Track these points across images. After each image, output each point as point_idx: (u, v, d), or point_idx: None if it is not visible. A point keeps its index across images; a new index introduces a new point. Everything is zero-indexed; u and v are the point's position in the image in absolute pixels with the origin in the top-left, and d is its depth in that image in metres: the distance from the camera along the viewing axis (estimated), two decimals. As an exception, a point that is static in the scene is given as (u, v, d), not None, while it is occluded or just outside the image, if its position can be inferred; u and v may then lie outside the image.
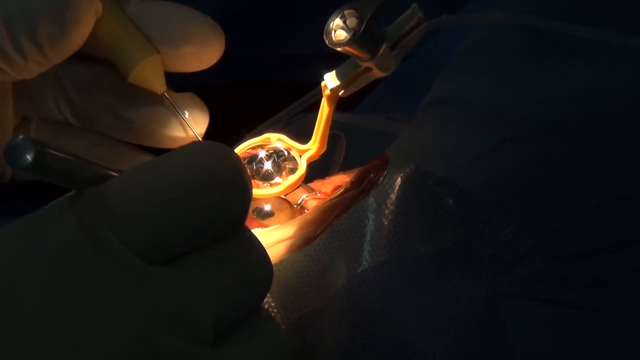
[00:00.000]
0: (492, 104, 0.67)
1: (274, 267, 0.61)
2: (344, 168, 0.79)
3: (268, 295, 0.61)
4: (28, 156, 0.43)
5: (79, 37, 0.66)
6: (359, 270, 0.60)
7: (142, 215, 0.46)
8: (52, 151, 0.45)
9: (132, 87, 0.71)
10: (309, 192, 0.71)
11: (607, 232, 0.61)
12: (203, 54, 0.70)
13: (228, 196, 0.48)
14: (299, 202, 0.71)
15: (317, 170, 0.76)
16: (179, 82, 0.73)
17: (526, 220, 0.61)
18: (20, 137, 0.43)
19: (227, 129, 0.71)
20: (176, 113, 0.71)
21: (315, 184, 0.72)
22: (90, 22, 0.66)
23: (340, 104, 0.69)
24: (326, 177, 0.73)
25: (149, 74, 0.70)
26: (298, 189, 0.71)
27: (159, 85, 0.71)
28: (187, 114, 0.71)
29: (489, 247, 0.61)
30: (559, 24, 0.70)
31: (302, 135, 0.70)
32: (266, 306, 0.61)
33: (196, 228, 0.48)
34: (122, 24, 0.70)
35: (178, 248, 0.47)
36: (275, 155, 0.68)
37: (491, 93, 0.68)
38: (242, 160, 0.68)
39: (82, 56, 0.69)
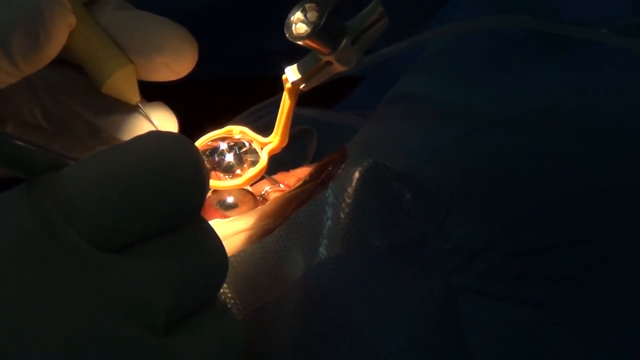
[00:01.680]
0: (455, 101, 0.67)
1: (232, 258, 0.62)
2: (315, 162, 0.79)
3: (225, 286, 0.61)
4: None
5: (52, 50, 0.66)
6: (314, 263, 0.61)
7: (94, 203, 0.46)
8: (8, 138, 0.45)
9: (103, 95, 0.71)
10: (273, 184, 0.72)
11: (564, 229, 0.61)
12: (176, 65, 0.70)
13: (183, 186, 0.48)
14: (262, 193, 0.71)
15: (288, 164, 0.77)
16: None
17: (484, 215, 0.61)
18: None
19: (197, 125, 0.71)
20: (148, 122, 0.71)
21: (279, 176, 0.73)
22: (64, 35, 0.66)
23: (321, 101, 0.69)
24: (290, 170, 0.73)
25: (123, 85, 0.70)
26: (262, 181, 0.72)
27: (132, 96, 0.71)
28: (156, 123, 0.71)
29: (445, 242, 0.61)
30: (551, 24, 0.70)
31: (270, 130, 0.71)
32: (223, 297, 0.61)
33: (149, 217, 0.48)
34: (95, 34, 0.70)
35: (131, 237, 0.47)
36: (236, 147, 0.69)
37: (454, 90, 0.68)
38: (202, 152, 0.69)
39: (55, 61, 0.68)
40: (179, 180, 0.48)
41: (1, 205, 0.47)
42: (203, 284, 0.50)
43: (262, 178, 0.72)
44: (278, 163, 0.74)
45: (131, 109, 0.72)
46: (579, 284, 0.61)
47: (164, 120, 0.72)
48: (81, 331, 0.45)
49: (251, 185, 0.71)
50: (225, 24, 1.02)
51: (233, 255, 0.62)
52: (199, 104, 0.90)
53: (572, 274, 0.60)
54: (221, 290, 0.61)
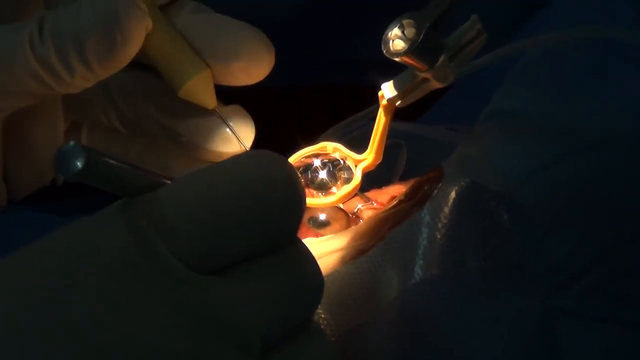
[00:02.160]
0: (553, 118, 0.66)
1: (326, 278, 0.61)
2: (406, 177, 0.78)
3: (319, 306, 0.61)
4: (78, 163, 0.43)
5: (128, 54, 0.66)
6: (410, 283, 0.60)
7: (192, 225, 0.46)
8: (102, 158, 0.45)
9: (179, 98, 0.71)
10: (365, 202, 0.71)
11: None
12: (253, 69, 0.70)
13: (281, 208, 0.48)
14: (354, 211, 0.70)
15: (378, 178, 0.76)
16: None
17: (582, 236, 0.60)
18: (71, 143, 0.43)
19: (285, 132, 0.71)
20: (225, 127, 0.71)
21: (372, 194, 0.72)
22: (140, 39, 0.66)
23: (407, 111, 0.68)
24: (383, 187, 0.72)
25: (200, 90, 0.70)
26: (354, 198, 0.71)
27: (209, 101, 0.71)
28: (233, 127, 0.71)
29: (543, 264, 0.60)
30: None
31: (362, 144, 0.70)
32: (316, 317, 0.61)
33: (247, 239, 0.47)
34: (172, 39, 0.70)
35: (228, 259, 0.47)
36: (330, 164, 0.68)
37: (552, 106, 0.67)
38: (297, 170, 0.68)
39: (130, 63, 0.68)
40: (277, 201, 0.48)
41: (98, 223, 0.47)
42: (300, 307, 0.50)
43: (354, 195, 0.71)
44: (366, 177, 0.73)
45: (208, 113, 0.71)
46: None
47: (241, 125, 0.71)
48: (175, 355, 0.44)
49: (343, 203, 0.70)
50: (309, 30, 1.01)
51: (326, 275, 0.61)
52: (282, 110, 0.89)
53: None
54: (319, 311, 0.60)
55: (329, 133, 0.74)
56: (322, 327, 0.60)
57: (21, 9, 0.71)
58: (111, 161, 0.45)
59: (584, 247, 0.60)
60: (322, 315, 0.61)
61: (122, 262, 0.45)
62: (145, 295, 0.45)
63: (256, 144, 0.73)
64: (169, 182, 0.48)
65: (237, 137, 0.70)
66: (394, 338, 0.59)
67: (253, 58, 0.69)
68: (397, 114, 0.69)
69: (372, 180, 0.75)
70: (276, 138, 0.69)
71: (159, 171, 0.49)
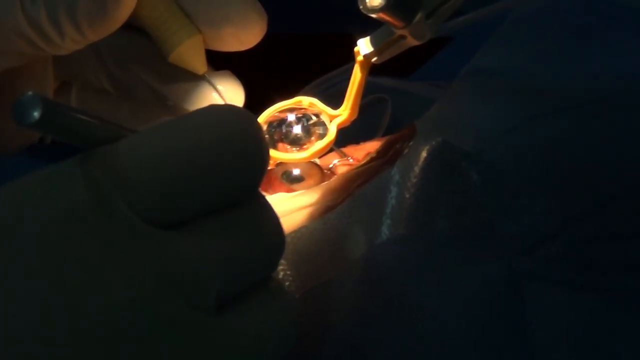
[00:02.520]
0: (533, 78, 0.65)
1: (293, 234, 0.61)
2: (391, 133, 0.78)
3: (285, 262, 0.60)
4: (35, 113, 0.42)
5: (119, 17, 0.65)
6: (377, 242, 0.59)
7: (149, 177, 0.45)
8: (61, 108, 0.44)
9: (170, 63, 0.70)
10: (341, 157, 0.70)
11: (635, 218, 0.59)
12: (243, 36, 0.69)
13: (241, 163, 0.47)
14: (330, 167, 0.70)
15: (363, 133, 0.76)
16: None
17: (553, 199, 0.59)
18: (29, 93, 0.43)
19: (266, 85, 0.70)
20: (215, 92, 0.70)
21: (349, 149, 0.71)
22: (132, 2, 0.66)
23: (399, 66, 0.68)
24: (360, 143, 0.72)
25: (191, 55, 0.69)
26: (330, 154, 0.71)
27: (200, 66, 0.70)
28: (222, 93, 0.71)
29: (512, 226, 0.59)
30: None
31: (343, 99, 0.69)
32: (282, 273, 0.60)
33: (205, 194, 0.47)
34: (164, 2, 0.69)
35: (186, 213, 0.46)
36: (304, 119, 0.67)
37: (534, 66, 0.66)
38: (270, 123, 0.68)
39: (123, 25, 0.67)
40: (236, 156, 0.47)
41: (55, 174, 0.46)
42: (258, 263, 0.49)
43: (330, 150, 0.71)
44: (350, 133, 0.72)
45: (198, 78, 0.71)
46: None
47: (231, 90, 0.71)
48: (124, 307, 0.44)
49: (319, 158, 0.70)
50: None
51: (294, 231, 0.61)
52: (269, 60, 0.88)
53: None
54: (280, 267, 0.60)
55: (309, 88, 0.74)
56: (287, 283, 0.60)
57: None
58: (70, 112, 0.45)
59: (554, 211, 0.59)
60: (288, 272, 0.60)
61: (74, 213, 0.45)
62: (96, 248, 0.44)
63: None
64: (130, 134, 0.47)
65: (225, 102, 0.70)
66: (358, 296, 0.59)
67: (244, 24, 0.69)
68: (387, 68, 0.68)
69: (357, 135, 0.74)
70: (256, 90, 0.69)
71: (123, 125, 0.48)
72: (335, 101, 0.70)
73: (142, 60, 0.72)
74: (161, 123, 0.47)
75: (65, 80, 0.76)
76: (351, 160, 0.70)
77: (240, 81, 0.71)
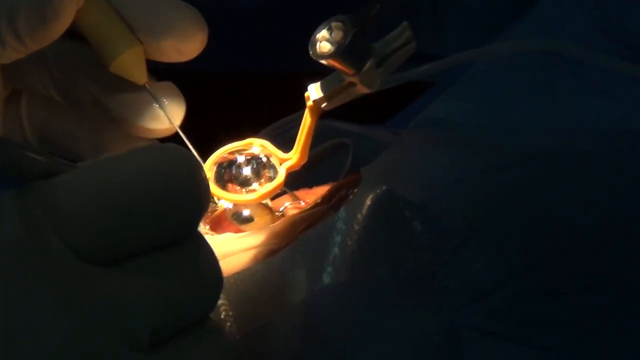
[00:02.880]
0: (484, 131, 0.66)
1: (237, 276, 0.61)
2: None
3: (227, 304, 0.61)
4: None
5: (59, 28, 0.65)
6: (317, 288, 0.59)
7: (85, 215, 0.45)
8: None
9: (112, 73, 0.70)
10: (293, 200, 0.71)
11: (579, 275, 0.60)
12: (183, 47, 0.69)
13: (178, 203, 0.47)
14: (281, 209, 0.70)
15: (324, 178, 0.76)
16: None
17: (495, 253, 0.60)
18: None
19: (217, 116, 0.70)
20: (155, 103, 0.70)
21: (301, 193, 0.72)
22: (71, 13, 0.66)
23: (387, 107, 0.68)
24: (313, 187, 0.72)
25: (131, 65, 0.69)
26: (283, 197, 0.71)
27: (140, 76, 0.70)
28: (165, 104, 0.71)
29: (454, 278, 0.59)
30: (591, 53, 0.69)
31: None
32: (223, 314, 0.60)
33: (141, 233, 0.46)
34: (105, 13, 0.69)
35: (120, 250, 0.46)
36: (254, 161, 0.68)
37: (486, 119, 0.67)
38: (220, 164, 0.68)
39: (69, 33, 0.68)
40: (174, 196, 0.47)
41: None
42: (194, 303, 0.49)
43: (283, 193, 0.71)
44: (314, 177, 0.73)
45: (140, 89, 0.71)
46: (588, 331, 0.59)
47: (172, 102, 0.70)
48: (60, 346, 0.44)
49: (272, 200, 0.71)
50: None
51: (237, 273, 0.61)
52: (227, 96, 0.88)
53: (582, 321, 0.59)
54: (222, 307, 0.60)
55: (265, 132, 0.74)
56: (228, 324, 0.60)
57: None
58: (7, 144, 0.45)
59: (496, 265, 0.59)
60: (230, 313, 0.61)
61: (7, 248, 0.44)
62: (29, 284, 0.44)
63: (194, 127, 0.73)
64: (69, 169, 0.47)
65: (166, 114, 0.70)
66: (293, 342, 0.59)
67: (184, 36, 0.68)
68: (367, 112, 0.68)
69: (318, 178, 0.75)
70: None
71: (69, 154, 0.48)
72: (291, 145, 0.70)
73: (86, 69, 0.72)
74: (101, 159, 0.47)
75: (16, 89, 0.75)
76: (303, 203, 0.70)
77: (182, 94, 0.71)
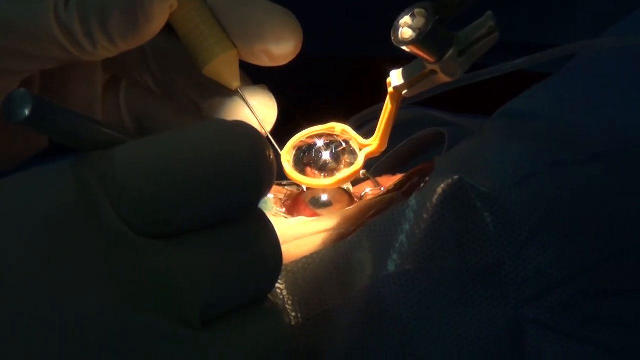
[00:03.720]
0: (569, 124, 0.64)
1: (305, 260, 0.61)
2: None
3: (291, 288, 0.60)
4: (26, 110, 0.43)
5: (150, 32, 0.66)
6: (382, 275, 0.59)
7: (140, 187, 0.46)
8: (53, 108, 0.45)
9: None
10: (374, 187, 0.70)
11: None
12: (277, 52, 0.69)
13: (237, 179, 0.47)
14: (361, 194, 0.70)
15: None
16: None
17: (563, 248, 0.58)
18: (21, 90, 0.43)
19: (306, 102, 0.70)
20: (247, 107, 0.71)
21: (383, 179, 0.71)
22: (164, 18, 0.66)
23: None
24: (397, 174, 0.72)
25: (225, 69, 0.70)
26: (364, 182, 0.71)
27: (233, 81, 0.70)
28: (255, 108, 0.71)
29: (521, 271, 0.58)
30: None
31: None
32: (287, 298, 0.60)
33: (197, 209, 0.47)
34: (199, 15, 0.69)
35: (176, 225, 0.46)
36: (333, 146, 0.68)
37: (568, 113, 0.65)
38: (299, 148, 0.68)
39: (167, 28, 0.69)
40: (234, 173, 0.47)
41: (48, 175, 0.47)
42: (250, 282, 0.49)
43: (366, 179, 0.71)
44: (413, 166, 0.72)
45: (232, 92, 0.71)
46: None
47: (263, 106, 0.71)
48: (104, 315, 0.44)
49: (353, 186, 0.70)
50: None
51: (305, 257, 0.61)
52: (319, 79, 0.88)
53: None
54: (285, 292, 0.60)
55: (352, 121, 0.73)
56: (289, 308, 0.60)
57: None
58: (62, 112, 0.45)
59: (562, 261, 0.58)
60: (296, 297, 0.60)
61: (62, 216, 0.45)
62: (80, 252, 0.45)
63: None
64: (126, 141, 0.48)
65: (257, 118, 0.70)
66: (356, 328, 0.59)
67: (277, 42, 0.69)
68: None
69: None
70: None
71: (120, 129, 0.49)
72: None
73: (183, 67, 0.73)
74: (162, 134, 0.48)
75: (115, 75, 0.77)
76: (383, 189, 0.69)
77: (274, 97, 0.72)
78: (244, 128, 0.49)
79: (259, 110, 0.70)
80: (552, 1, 1.07)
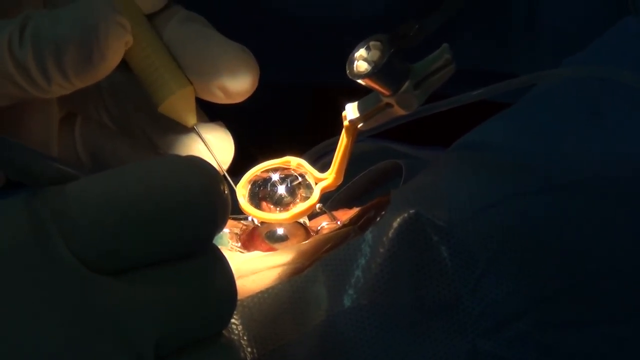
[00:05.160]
0: (527, 156, 0.64)
1: (260, 294, 0.60)
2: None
3: (246, 323, 0.60)
4: None
5: (105, 68, 0.66)
6: (338, 310, 0.58)
7: (92, 221, 0.45)
8: (6, 142, 0.45)
9: None
10: (331, 221, 0.70)
11: (601, 306, 0.58)
12: (232, 88, 0.69)
13: (191, 215, 0.47)
14: (317, 229, 0.70)
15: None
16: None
17: (520, 280, 0.59)
18: None
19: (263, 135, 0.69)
20: (203, 145, 0.70)
21: (339, 213, 0.71)
22: (119, 54, 0.66)
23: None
24: (353, 207, 0.71)
25: (180, 106, 0.69)
26: (321, 216, 0.70)
27: (189, 118, 0.70)
28: (211, 144, 0.70)
29: (478, 304, 0.58)
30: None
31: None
32: (242, 333, 0.60)
33: (150, 244, 0.46)
34: (155, 52, 0.69)
35: (129, 261, 0.46)
36: (289, 180, 0.67)
37: (524, 144, 0.65)
38: (254, 182, 0.67)
39: (123, 64, 0.68)
40: (187, 209, 0.46)
41: (1, 210, 0.46)
42: (203, 317, 0.48)
43: (322, 213, 0.70)
44: (369, 199, 0.72)
45: (189, 128, 0.71)
46: None
47: (220, 142, 0.70)
48: (57, 354, 0.43)
49: (310, 219, 0.70)
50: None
51: (260, 292, 0.60)
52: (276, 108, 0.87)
53: (599, 353, 0.59)
54: (240, 327, 0.60)
55: (308, 155, 0.73)
56: (245, 344, 0.59)
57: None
58: (17, 148, 0.45)
59: (519, 293, 0.58)
60: (249, 333, 0.60)
61: (14, 252, 0.44)
62: (33, 289, 0.44)
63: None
64: (80, 177, 0.47)
65: (213, 155, 0.70)
66: None
67: (232, 78, 0.69)
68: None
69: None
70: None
71: (74, 165, 0.49)
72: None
73: (139, 103, 0.72)
74: (115, 169, 0.47)
75: (71, 111, 0.76)
76: (339, 223, 0.69)
77: (230, 133, 0.71)
78: (198, 163, 0.48)
79: (215, 147, 0.70)
80: (512, 30, 1.07)
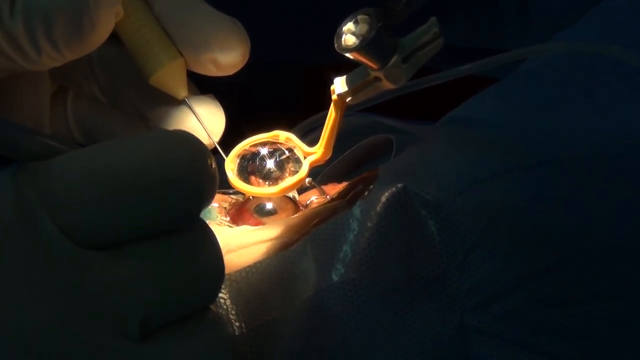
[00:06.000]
0: (510, 132, 0.64)
1: (248, 269, 0.60)
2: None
3: (235, 298, 0.60)
4: None
5: (96, 39, 0.65)
6: (325, 285, 0.58)
7: (78, 197, 0.45)
8: None
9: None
10: (320, 195, 0.70)
11: (591, 283, 0.58)
12: (223, 62, 0.68)
13: (177, 189, 0.46)
14: (306, 203, 0.69)
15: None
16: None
17: (509, 257, 0.58)
18: None
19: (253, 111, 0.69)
20: (194, 117, 0.70)
21: (329, 187, 0.71)
22: (109, 25, 0.65)
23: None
24: (343, 182, 0.71)
25: (171, 79, 0.69)
26: (310, 191, 0.70)
27: (180, 90, 0.70)
28: (202, 118, 0.70)
29: (466, 280, 0.58)
30: (635, 56, 0.67)
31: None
32: (230, 308, 0.60)
33: (137, 218, 0.46)
34: (146, 25, 0.68)
35: (116, 236, 0.46)
36: (277, 154, 0.67)
37: (514, 120, 0.65)
38: (243, 156, 0.67)
39: (114, 36, 0.68)
40: (174, 183, 0.46)
41: None
42: (191, 292, 0.48)
43: (312, 187, 0.70)
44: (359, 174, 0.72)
45: (179, 101, 0.70)
46: (599, 341, 0.58)
47: (211, 115, 0.70)
48: (44, 328, 0.43)
49: (299, 194, 0.70)
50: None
51: (248, 266, 0.60)
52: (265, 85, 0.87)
53: (595, 329, 0.58)
54: (228, 302, 0.60)
55: (297, 129, 0.73)
56: (233, 319, 0.59)
57: None
58: (1, 122, 0.45)
59: (508, 269, 0.58)
60: (239, 307, 0.60)
61: None
62: (18, 265, 0.44)
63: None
64: (67, 151, 0.47)
65: (205, 128, 0.69)
66: (297, 339, 0.58)
67: (223, 50, 0.68)
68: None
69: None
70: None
71: (61, 139, 0.48)
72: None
73: (130, 77, 0.72)
74: (102, 144, 0.47)
75: (63, 85, 0.76)
76: (329, 197, 0.69)
77: (221, 106, 0.71)
78: (185, 137, 0.48)
79: (206, 120, 0.69)
80: (505, 7, 1.07)
